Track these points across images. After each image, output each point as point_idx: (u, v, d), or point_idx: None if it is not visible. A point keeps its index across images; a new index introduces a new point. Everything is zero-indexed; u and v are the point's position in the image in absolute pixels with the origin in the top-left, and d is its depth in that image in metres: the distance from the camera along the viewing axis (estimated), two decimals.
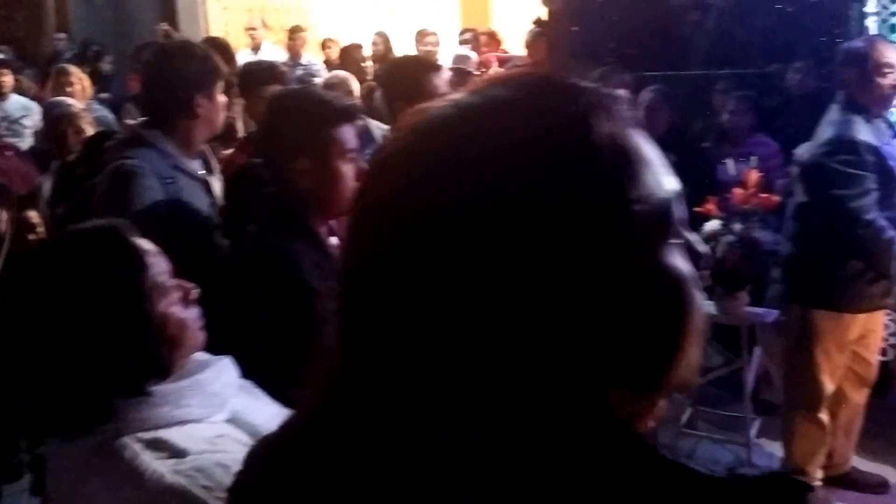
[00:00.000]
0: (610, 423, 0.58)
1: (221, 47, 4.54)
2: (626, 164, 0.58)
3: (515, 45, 7.58)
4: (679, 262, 0.60)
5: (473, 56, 6.75)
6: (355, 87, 4.42)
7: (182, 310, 1.25)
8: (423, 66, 3.03)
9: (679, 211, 0.61)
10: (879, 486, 3.41)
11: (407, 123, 0.62)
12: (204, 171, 2.50)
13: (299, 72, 7.14)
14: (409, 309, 0.57)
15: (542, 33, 5.95)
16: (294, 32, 7.44)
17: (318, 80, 5.14)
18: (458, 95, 0.62)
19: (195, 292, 1.29)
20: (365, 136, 2.90)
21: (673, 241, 0.60)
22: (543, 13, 5.76)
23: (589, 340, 0.56)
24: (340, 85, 4.50)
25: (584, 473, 0.56)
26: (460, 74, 6.17)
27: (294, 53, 7.29)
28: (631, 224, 0.56)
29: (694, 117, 4.94)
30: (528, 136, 0.57)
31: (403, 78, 2.85)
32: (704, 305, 0.64)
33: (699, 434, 3.85)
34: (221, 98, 2.42)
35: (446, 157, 0.58)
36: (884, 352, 3.55)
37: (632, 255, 0.57)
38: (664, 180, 0.60)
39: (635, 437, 0.60)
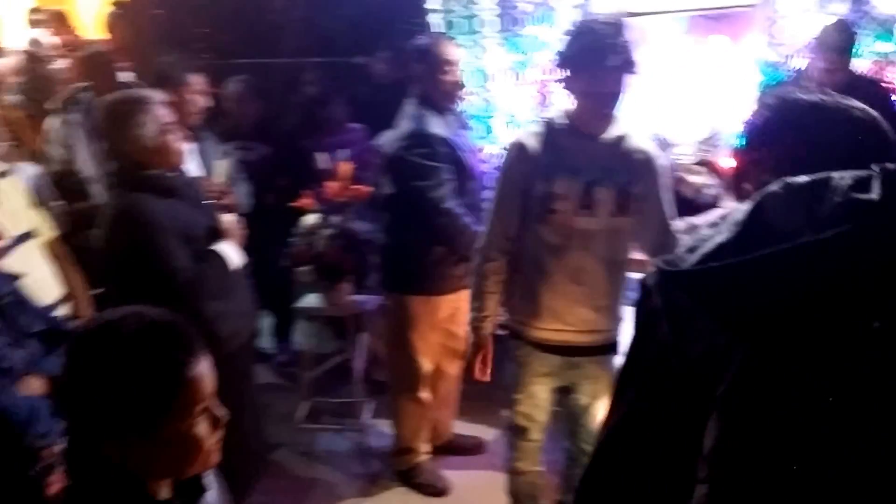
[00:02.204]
0: None
1: None
2: None
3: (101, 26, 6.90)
4: None
5: (53, 39, 6.01)
6: None
7: None
8: None
9: None
10: (478, 448, 3.73)
11: None
12: None
13: None
14: None
15: (123, 16, 5.46)
16: None
17: None
18: None
19: None
20: None
21: None
22: None
23: None
24: None
25: None
26: (34, 60, 5.46)
27: None
28: None
29: (288, 107, 4.91)
30: None
31: None
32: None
33: (317, 427, 3.88)
34: None
35: None
36: None
37: None
38: None
39: None
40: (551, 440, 2.91)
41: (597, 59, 2.36)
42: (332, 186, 3.60)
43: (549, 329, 2.61)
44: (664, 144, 3.52)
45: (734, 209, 0.98)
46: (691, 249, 0.95)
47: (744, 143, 1.18)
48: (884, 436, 0.82)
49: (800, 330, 0.84)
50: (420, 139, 3.13)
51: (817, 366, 0.84)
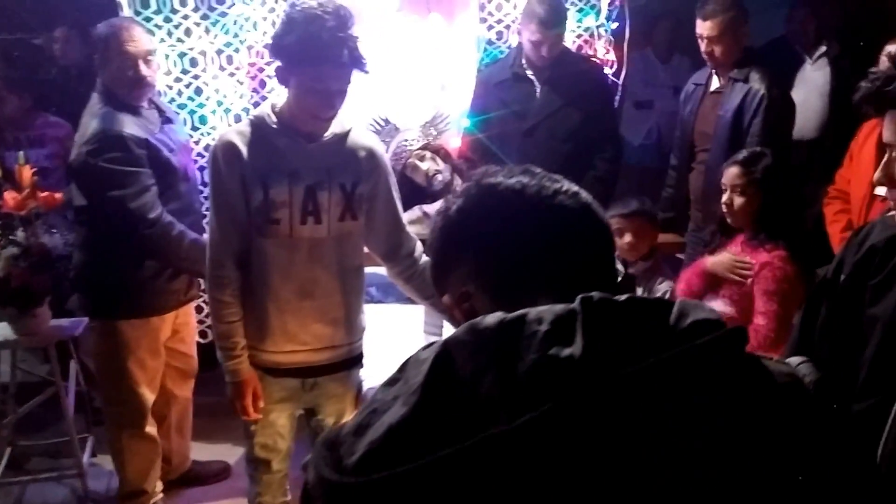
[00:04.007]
0: None
1: None
2: None
3: None
4: None
5: None
6: None
7: None
8: None
9: None
10: (222, 473, 3.40)
11: None
12: None
13: None
14: None
15: None
16: None
17: None
18: None
19: None
20: None
21: None
22: None
23: None
24: None
25: None
26: None
27: None
28: None
29: None
30: None
31: None
32: None
33: (23, 478, 3.31)
34: None
35: None
36: (204, 334, 3.47)
37: None
38: None
39: None
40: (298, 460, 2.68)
41: (322, 54, 2.09)
42: (10, 198, 3.03)
43: (281, 352, 2.35)
44: (390, 130, 3.37)
45: (415, 360, 0.75)
46: (360, 429, 0.72)
47: (439, 243, 0.98)
48: None
49: None
50: (111, 142, 2.71)
51: None
